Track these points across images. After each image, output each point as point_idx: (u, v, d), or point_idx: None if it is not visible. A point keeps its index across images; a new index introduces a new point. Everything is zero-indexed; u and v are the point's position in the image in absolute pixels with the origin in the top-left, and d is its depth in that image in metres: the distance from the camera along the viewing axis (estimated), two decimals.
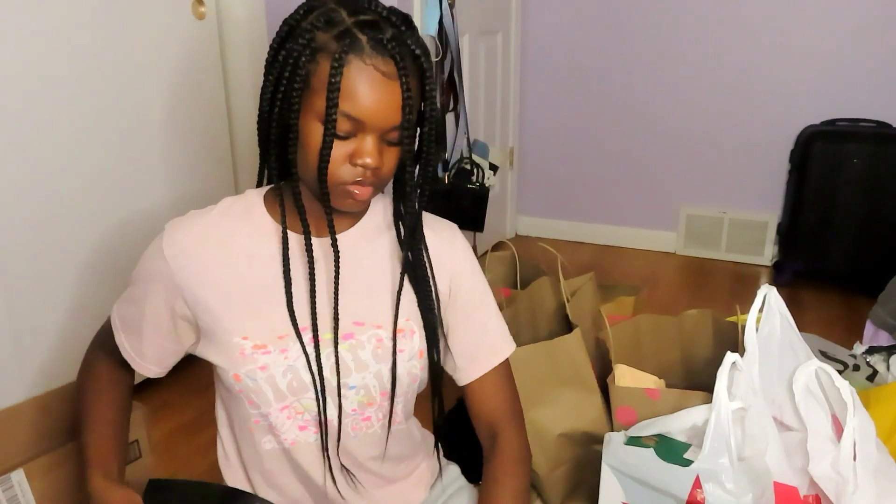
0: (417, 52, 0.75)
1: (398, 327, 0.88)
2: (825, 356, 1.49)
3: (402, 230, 0.89)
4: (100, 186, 1.73)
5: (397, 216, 0.90)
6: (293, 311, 0.83)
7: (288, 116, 0.76)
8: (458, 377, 0.96)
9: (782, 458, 0.94)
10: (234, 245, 0.85)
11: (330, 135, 0.74)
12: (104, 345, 0.96)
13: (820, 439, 0.94)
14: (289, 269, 0.83)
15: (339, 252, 0.83)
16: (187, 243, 0.84)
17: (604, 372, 1.27)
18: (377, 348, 0.87)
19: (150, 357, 0.91)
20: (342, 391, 0.86)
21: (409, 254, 0.88)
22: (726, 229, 2.99)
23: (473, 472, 1.05)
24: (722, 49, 2.82)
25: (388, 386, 0.88)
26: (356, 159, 0.76)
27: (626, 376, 1.23)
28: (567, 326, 1.38)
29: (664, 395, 1.14)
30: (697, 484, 0.92)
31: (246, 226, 0.86)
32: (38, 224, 1.61)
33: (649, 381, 1.24)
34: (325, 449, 0.88)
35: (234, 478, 0.95)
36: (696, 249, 3.08)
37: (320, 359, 0.84)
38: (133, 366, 0.92)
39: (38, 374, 1.64)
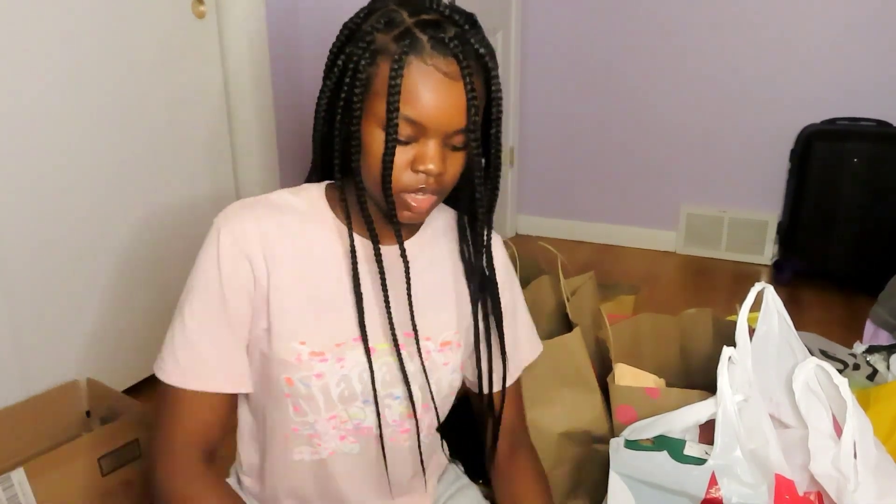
0: (482, 51, 0.72)
1: (446, 339, 0.87)
2: (825, 355, 1.50)
3: (469, 239, 0.87)
4: (99, 186, 1.73)
5: (461, 225, 0.88)
6: (364, 324, 0.80)
7: (349, 122, 0.74)
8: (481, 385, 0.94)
9: (779, 452, 0.94)
10: (302, 241, 0.80)
11: (392, 140, 0.71)
12: (182, 460, 0.78)
13: (821, 437, 0.94)
14: (358, 279, 0.80)
15: (409, 263, 0.81)
16: (256, 235, 0.78)
17: (604, 371, 1.27)
18: (425, 360, 0.86)
19: (242, 368, 0.81)
20: (387, 400, 0.85)
21: (484, 266, 0.85)
22: (726, 228, 2.99)
23: (475, 471, 1.05)
24: (722, 48, 2.82)
25: (430, 398, 0.87)
26: (418, 165, 0.73)
27: (626, 375, 1.23)
28: (567, 325, 1.38)
29: (664, 393, 1.14)
30: (713, 481, 0.92)
31: (313, 222, 0.82)
32: (38, 224, 1.61)
33: (649, 380, 1.24)
34: (381, 444, 0.86)
35: (248, 484, 0.93)
36: (696, 248, 3.07)
37: (405, 369, 0.83)
38: (236, 388, 0.81)
39: (39, 374, 1.64)
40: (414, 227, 0.86)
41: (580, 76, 3.07)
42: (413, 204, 0.75)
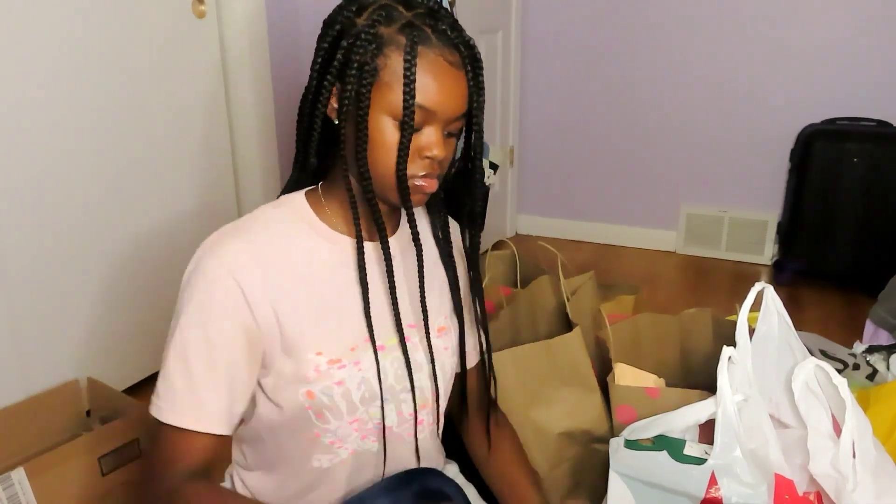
0: (471, 41, 0.77)
1: (441, 325, 0.89)
2: (825, 355, 1.50)
3: (440, 228, 0.90)
4: (99, 186, 1.73)
5: (435, 212, 0.91)
6: (371, 321, 0.81)
7: (356, 115, 0.75)
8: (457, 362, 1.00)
9: (779, 452, 0.94)
10: (295, 253, 0.80)
11: (409, 128, 0.73)
12: (171, 466, 0.77)
13: (820, 437, 0.94)
14: (365, 277, 0.80)
15: (390, 256, 0.82)
16: (246, 259, 0.77)
17: (604, 371, 1.27)
18: (427, 348, 0.88)
19: (227, 411, 0.78)
20: (402, 395, 0.86)
21: (471, 251, 0.89)
22: (726, 228, 2.99)
23: (472, 471, 1.05)
24: (722, 48, 2.82)
25: (437, 386, 0.90)
26: (425, 152, 0.76)
27: (625, 375, 1.23)
28: (567, 325, 1.38)
29: (664, 393, 1.14)
30: (713, 481, 0.92)
31: (303, 234, 0.82)
32: (37, 224, 1.61)
33: (649, 379, 1.24)
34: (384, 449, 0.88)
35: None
36: (696, 248, 3.08)
37: (409, 364, 0.84)
38: (204, 427, 0.77)
39: (38, 373, 1.64)
40: (398, 220, 0.89)
41: (580, 76, 3.07)
42: (424, 185, 0.78)
